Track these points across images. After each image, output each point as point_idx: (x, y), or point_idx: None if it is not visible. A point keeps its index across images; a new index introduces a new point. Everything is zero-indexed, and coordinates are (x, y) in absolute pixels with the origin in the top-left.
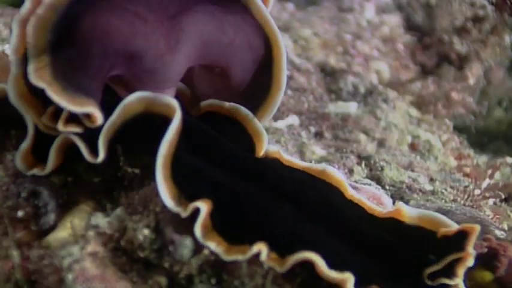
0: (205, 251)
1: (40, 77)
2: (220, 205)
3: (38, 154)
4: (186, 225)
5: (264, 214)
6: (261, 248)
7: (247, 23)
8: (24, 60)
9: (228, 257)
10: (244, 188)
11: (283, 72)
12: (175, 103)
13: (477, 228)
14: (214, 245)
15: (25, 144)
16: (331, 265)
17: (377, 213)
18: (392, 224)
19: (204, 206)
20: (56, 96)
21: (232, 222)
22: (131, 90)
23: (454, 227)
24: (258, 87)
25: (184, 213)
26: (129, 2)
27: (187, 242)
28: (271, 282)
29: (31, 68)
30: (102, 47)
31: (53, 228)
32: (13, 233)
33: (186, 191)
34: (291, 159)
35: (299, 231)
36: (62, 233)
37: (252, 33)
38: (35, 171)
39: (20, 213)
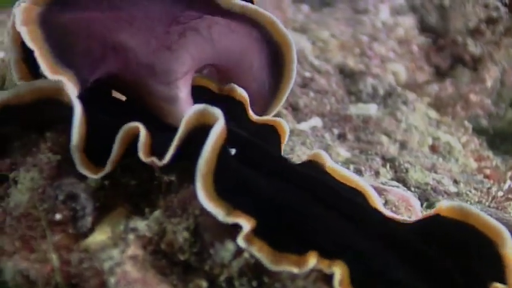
0: (246, 254)
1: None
2: (266, 215)
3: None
4: (226, 228)
5: (312, 223)
6: (313, 258)
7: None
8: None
9: (276, 267)
10: (290, 196)
11: (294, 63)
12: (218, 112)
13: None
14: (260, 254)
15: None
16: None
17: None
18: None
19: (246, 224)
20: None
21: (279, 231)
22: (132, 88)
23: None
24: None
25: (230, 221)
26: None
27: (229, 245)
28: (312, 284)
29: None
30: (86, 32)
31: (90, 231)
32: (51, 236)
33: (230, 201)
34: (335, 166)
35: (347, 240)
36: (100, 236)
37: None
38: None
39: (57, 216)
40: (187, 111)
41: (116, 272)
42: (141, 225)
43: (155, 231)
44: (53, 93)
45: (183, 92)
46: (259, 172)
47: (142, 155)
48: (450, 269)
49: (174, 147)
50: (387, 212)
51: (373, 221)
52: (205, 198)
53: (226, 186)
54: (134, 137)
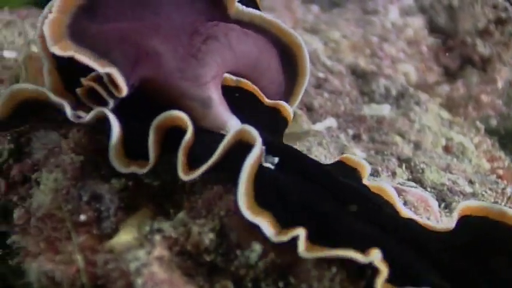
0: (272, 255)
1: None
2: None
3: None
4: (252, 229)
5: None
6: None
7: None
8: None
9: None
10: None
11: (306, 60)
12: (255, 133)
13: None
14: None
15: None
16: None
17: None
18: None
19: (302, 233)
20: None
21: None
22: (166, 92)
23: None
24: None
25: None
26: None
27: (255, 245)
28: (339, 285)
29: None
30: (117, 39)
31: (114, 232)
32: (76, 237)
33: (278, 216)
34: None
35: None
36: (125, 236)
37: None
38: (133, 168)
39: (82, 217)
40: (231, 131)
41: (143, 272)
42: (166, 226)
43: (180, 232)
44: None
45: (215, 94)
46: (298, 179)
47: (182, 151)
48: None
49: (209, 164)
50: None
51: (424, 238)
52: (250, 214)
53: (268, 199)
54: (175, 127)
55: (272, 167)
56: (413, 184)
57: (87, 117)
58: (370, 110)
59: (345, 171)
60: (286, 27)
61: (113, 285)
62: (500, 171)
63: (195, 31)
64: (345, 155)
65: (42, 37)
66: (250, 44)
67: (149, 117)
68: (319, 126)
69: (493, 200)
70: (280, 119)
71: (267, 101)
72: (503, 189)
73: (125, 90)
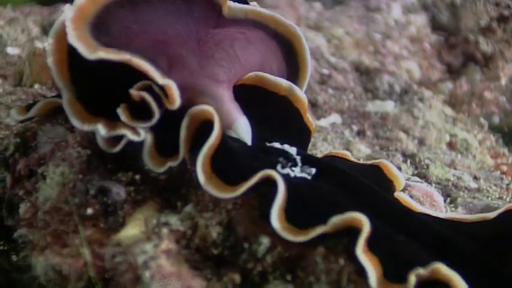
0: (279, 248)
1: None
2: None
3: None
4: (260, 222)
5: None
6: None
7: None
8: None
9: None
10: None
11: (306, 49)
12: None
13: None
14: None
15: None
16: None
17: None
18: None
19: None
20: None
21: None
22: (190, 90)
23: None
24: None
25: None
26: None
27: (263, 239)
28: (347, 277)
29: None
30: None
31: (121, 225)
32: (84, 231)
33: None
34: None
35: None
36: (132, 230)
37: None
38: (169, 164)
39: (89, 211)
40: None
41: (151, 266)
42: (173, 219)
43: (188, 225)
44: None
45: (228, 93)
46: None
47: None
48: None
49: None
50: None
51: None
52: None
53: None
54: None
55: (309, 177)
56: (418, 179)
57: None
58: (374, 106)
59: (379, 178)
60: (283, 18)
61: (121, 279)
62: (504, 168)
63: (200, 40)
64: (385, 163)
65: (59, 62)
66: (254, 50)
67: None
68: (324, 122)
69: (498, 196)
70: (307, 132)
71: (307, 117)
72: (508, 185)
73: (178, 102)
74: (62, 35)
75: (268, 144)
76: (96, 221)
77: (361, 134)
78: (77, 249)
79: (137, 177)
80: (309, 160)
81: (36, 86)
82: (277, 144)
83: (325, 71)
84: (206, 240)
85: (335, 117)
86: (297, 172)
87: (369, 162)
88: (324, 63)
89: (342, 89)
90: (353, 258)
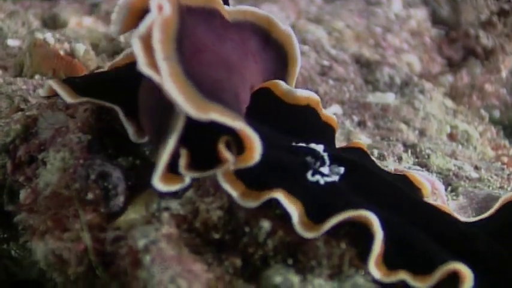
0: (280, 232)
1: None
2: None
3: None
4: (261, 207)
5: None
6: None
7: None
8: None
9: None
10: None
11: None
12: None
13: None
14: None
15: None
16: None
17: None
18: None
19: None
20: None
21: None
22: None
23: None
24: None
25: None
26: None
27: (264, 223)
28: (349, 262)
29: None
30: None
31: (122, 210)
32: (84, 216)
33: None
34: None
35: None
36: (133, 214)
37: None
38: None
39: (89, 196)
40: None
41: (151, 249)
42: (174, 204)
43: (188, 210)
44: None
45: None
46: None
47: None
48: None
49: None
50: None
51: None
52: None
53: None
54: None
55: (337, 177)
56: (419, 168)
57: None
58: (374, 98)
59: (408, 186)
60: (275, 19)
61: (121, 262)
62: (505, 159)
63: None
64: (411, 172)
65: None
66: (267, 59)
67: None
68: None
69: (499, 185)
70: (330, 130)
71: (323, 113)
72: (509, 175)
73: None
74: None
75: (294, 144)
76: (97, 205)
77: (361, 124)
78: (77, 233)
79: (138, 162)
80: (336, 158)
81: (37, 76)
82: (303, 144)
83: (326, 63)
84: (207, 225)
85: (336, 108)
86: (325, 172)
87: (393, 172)
88: (325, 55)
89: (343, 80)
90: None
